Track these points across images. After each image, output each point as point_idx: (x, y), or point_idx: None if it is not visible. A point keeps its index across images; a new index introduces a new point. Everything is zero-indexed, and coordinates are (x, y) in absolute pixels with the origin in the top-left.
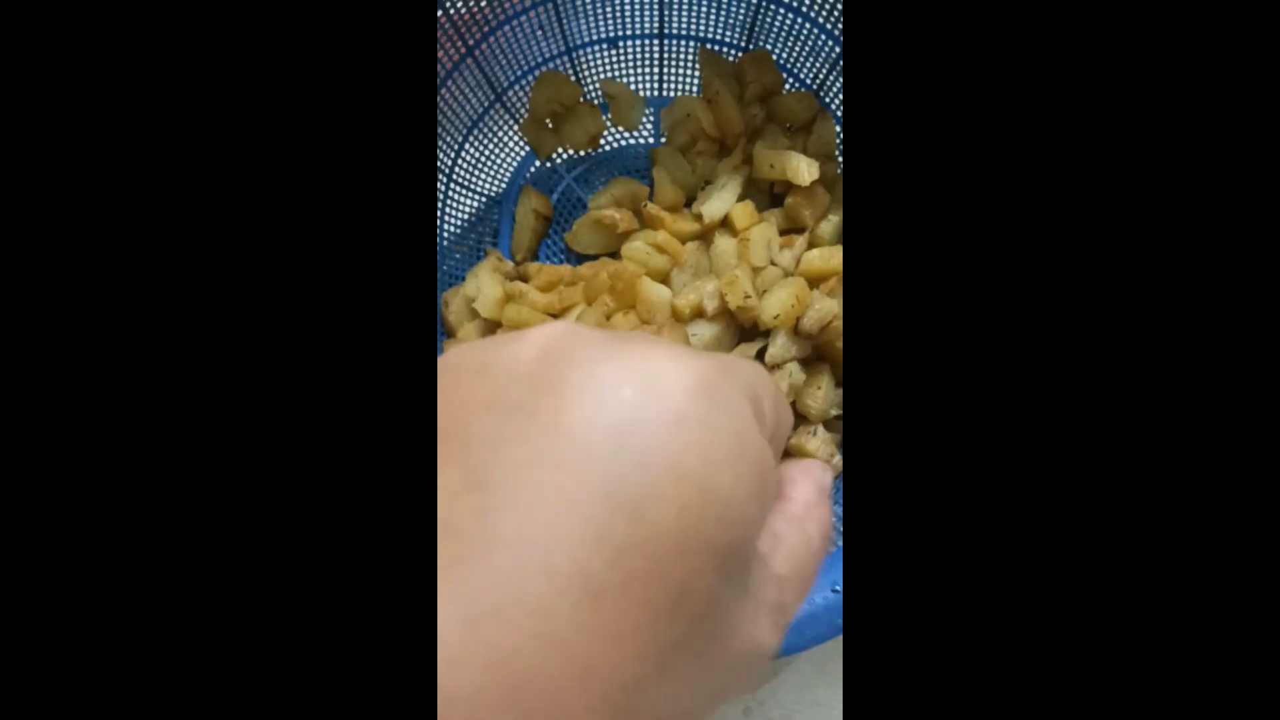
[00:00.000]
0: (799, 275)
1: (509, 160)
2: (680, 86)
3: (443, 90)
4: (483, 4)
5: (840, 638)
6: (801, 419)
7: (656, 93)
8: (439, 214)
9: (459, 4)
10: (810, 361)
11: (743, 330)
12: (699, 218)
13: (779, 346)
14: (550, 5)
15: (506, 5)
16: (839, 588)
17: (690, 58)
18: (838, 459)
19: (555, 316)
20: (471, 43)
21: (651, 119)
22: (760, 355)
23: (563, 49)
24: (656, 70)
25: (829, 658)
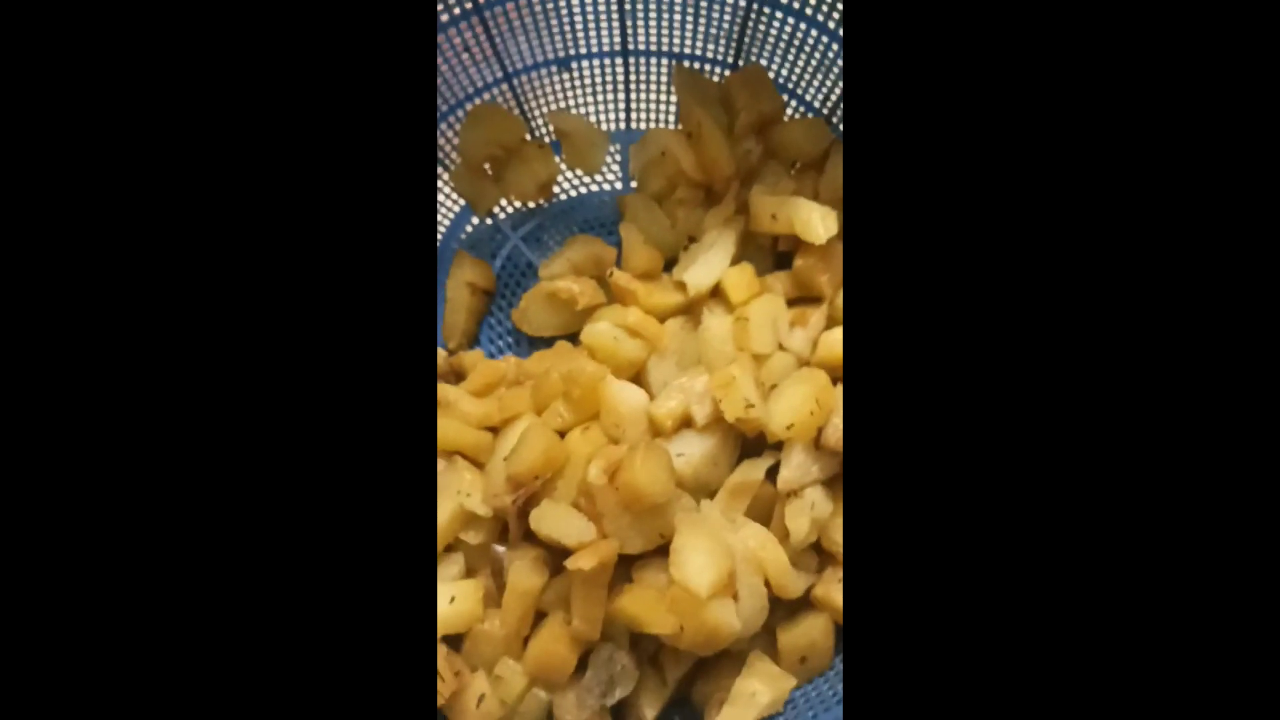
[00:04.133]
0: (816, 364)
1: (438, 218)
2: (652, 117)
3: None
4: None
5: None
6: (829, 559)
7: (622, 126)
8: None
9: None
10: (837, 483)
11: (746, 441)
12: (681, 287)
13: (794, 467)
14: (478, 18)
15: None
16: None
17: (664, 79)
18: None
19: (494, 430)
20: None
21: (618, 159)
22: (771, 474)
23: (499, 75)
24: (621, 97)
25: None
